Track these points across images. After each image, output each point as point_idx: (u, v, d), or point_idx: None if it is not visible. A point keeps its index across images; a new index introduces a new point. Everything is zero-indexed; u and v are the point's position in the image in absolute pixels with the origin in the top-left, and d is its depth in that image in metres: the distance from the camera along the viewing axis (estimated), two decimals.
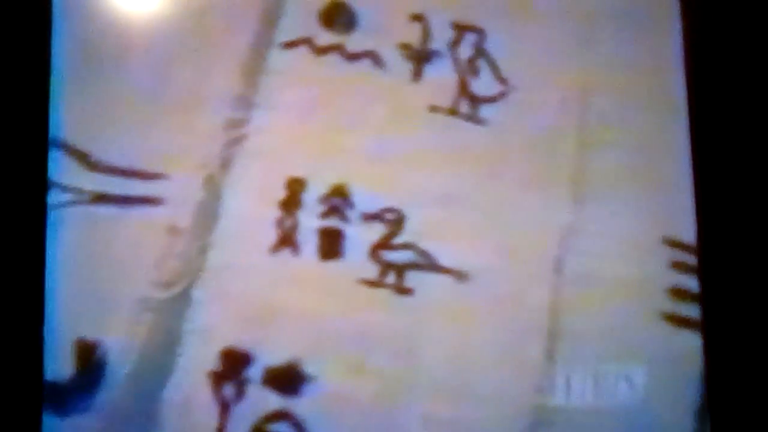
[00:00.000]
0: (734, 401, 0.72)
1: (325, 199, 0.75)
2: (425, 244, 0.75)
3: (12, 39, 0.74)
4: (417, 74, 0.77)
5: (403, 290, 0.74)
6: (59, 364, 0.72)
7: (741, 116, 0.75)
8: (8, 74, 0.74)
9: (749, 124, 0.75)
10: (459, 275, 0.74)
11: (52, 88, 0.74)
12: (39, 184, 0.73)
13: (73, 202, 0.74)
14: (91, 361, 0.72)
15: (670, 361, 0.74)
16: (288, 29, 0.77)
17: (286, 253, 0.74)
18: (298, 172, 0.75)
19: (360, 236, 0.75)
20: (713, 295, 0.73)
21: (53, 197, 0.73)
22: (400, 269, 0.74)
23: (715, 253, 0.73)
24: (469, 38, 0.78)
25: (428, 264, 0.75)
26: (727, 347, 0.72)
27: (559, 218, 0.75)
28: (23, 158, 0.73)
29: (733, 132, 0.75)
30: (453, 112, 0.77)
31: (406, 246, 0.75)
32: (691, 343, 0.74)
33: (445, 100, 0.77)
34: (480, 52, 0.78)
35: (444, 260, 0.75)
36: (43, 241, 0.72)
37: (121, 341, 0.72)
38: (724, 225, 0.74)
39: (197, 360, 0.72)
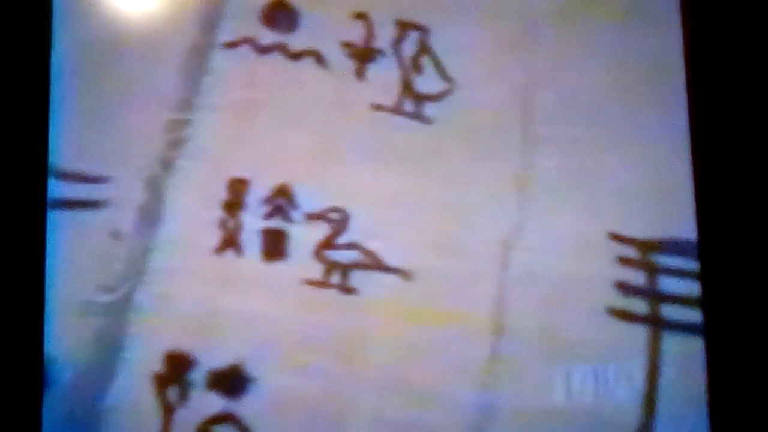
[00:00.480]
0: (736, 402, 0.71)
1: (269, 199, 0.75)
2: (370, 244, 0.75)
3: (10, 44, 0.73)
4: (360, 73, 0.77)
5: (348, 290, 0.74)
6: None
7: (741, 117, 0.75)
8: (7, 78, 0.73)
9: (750, 124, 0.74)
10: (404, 274, 0.74)
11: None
12: (38, 192, 0.73)
13: None
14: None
15: (617, 356, 0.74)
16: (229, 29, 0.77)
17: (229, 255, 0.74)
18: (240, 173, 0.75)
19: (304, 236, 0.74)
20: (714, 297, 0.73)
21: None
22: (345, 269, 0.74)
23: (715, 254, 0.73)
24: (413, 36, 0.78)
25: (373, 263, 0.74)
26: (729, 349, 0.72)
27: (505, 215, 0.75)
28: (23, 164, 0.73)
29: (733, 133, 0.75)
30: (397, 110, 0.76)
31: (350, 245, 0.75)
32: (638, 336, 0.74)
33: (389, 98, 0.77)
34: (424, 49, 0.77)
35: (389, 259, 0.74)
36: (43, 248, 0.72)
37: (65, 345, 0.72)
38: (724, 226, 0.73)
39: (141, 363, 0.72)
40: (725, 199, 0.74)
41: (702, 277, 0.73)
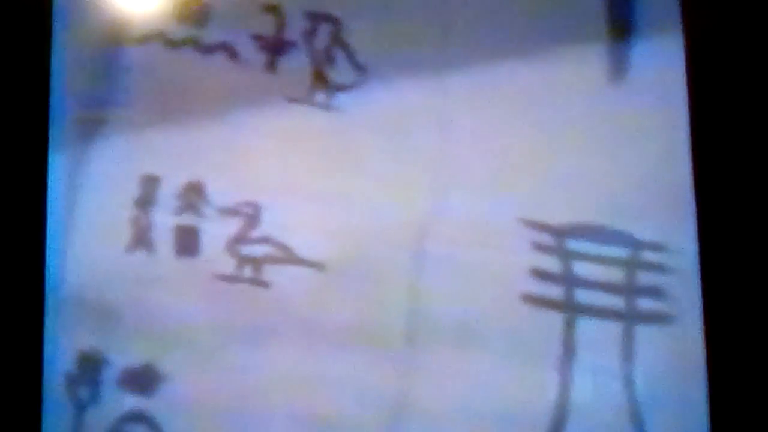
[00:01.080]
0: (736, 403, 0.71)
1: (180, 195, 0.75)
2: (282, 237, 0.74)
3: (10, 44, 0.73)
4: (272, 65, 0.76)
5: (260, 284, 0.74)
6: None
7: (741, 119, 0.74)
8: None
9: (750, 125, 0.74)
10: (317, 266, 0.74)
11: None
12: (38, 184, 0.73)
13: None
14: None
15: (533, 342, 0.74)
16: (141, 23, 0.76)
17: (141, 252, 0.74)
18: (152, 170, 0.75)
19: (216, 231, 0.74)
20: (715, 298, 0.72)
21: None
22: (258, 263, 0.74)
23: (716, 255, 0.73)
24: (325, 27, 0.77)
25: (286, 256, 0.74)
26: (730, 350, 0.72)
27: (418, 204, 0.75)
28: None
29: (732, 134, 0.74)
30: (309, 101, 0.76)
31: (263, 239, 0.74)
32: (553, 322, 0.74)
33: (301, 90, 0.76)
34: (336, 40, 0.77)
35: (302, 252, 0.74)
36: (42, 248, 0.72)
37: None
38: (724, 227, 0.73)
39: (54, 362, 0.72)
40: (726, 201, 0.73)
41: (703, 277, 0.73)
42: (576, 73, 0.76)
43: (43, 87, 0.73)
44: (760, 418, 0.71)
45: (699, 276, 0.73)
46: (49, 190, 0.73)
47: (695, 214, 0.73)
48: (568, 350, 0.73)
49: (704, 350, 0.72)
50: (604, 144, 0.75)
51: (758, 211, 0.73)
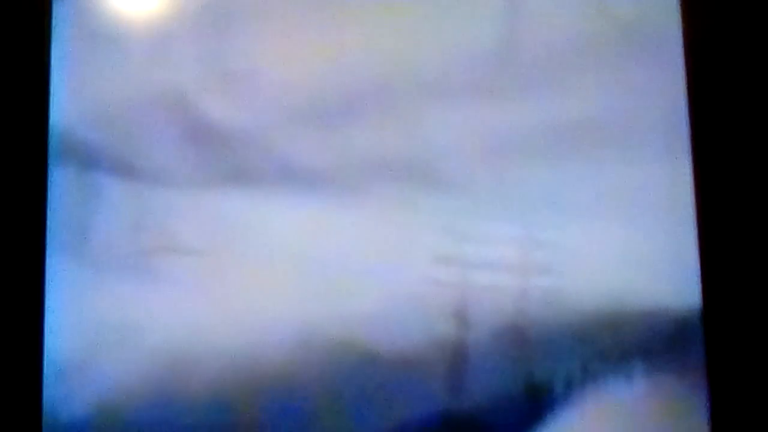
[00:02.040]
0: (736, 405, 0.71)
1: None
2: (169, 226, 0.74)
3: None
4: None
5: (148, 273, 0.73)
6: None
7: (741, 119, 0.74)
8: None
9: (749, 125, 0.74)
10: (201, 254, 0.73)
11: None
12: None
13: None
14: None
15: (437, 325, 0.73)
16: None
17: None
18: None
19: (104, 222, 0.74)
20: (716, 306, 0.72)
21: None
22: (147, 253, 0.74)
23: (716, 255, 0.73)
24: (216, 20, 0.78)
25: (171, 245, 0.74)
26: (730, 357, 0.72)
27: (312, 202, 0.75)
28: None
29: (732, 134, 0.74)
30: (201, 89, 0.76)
31: (154, 229, 0.74)
32: (454, 304, 0.73)
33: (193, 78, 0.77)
34: (225, 32, 0.77)
35: (187, 241, 0.74)
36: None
37: None
38: (724, 227, 0.73)
39: None
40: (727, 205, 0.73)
41: (703, 280, 0.73)
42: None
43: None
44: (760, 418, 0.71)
45: (699, 276, 0.73)
46: None
47: (696, 215, 0.73)
48: (463, 324, 0.73)
49: (704, 351, 0.72)
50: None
51: (759, 211, 0.73)
